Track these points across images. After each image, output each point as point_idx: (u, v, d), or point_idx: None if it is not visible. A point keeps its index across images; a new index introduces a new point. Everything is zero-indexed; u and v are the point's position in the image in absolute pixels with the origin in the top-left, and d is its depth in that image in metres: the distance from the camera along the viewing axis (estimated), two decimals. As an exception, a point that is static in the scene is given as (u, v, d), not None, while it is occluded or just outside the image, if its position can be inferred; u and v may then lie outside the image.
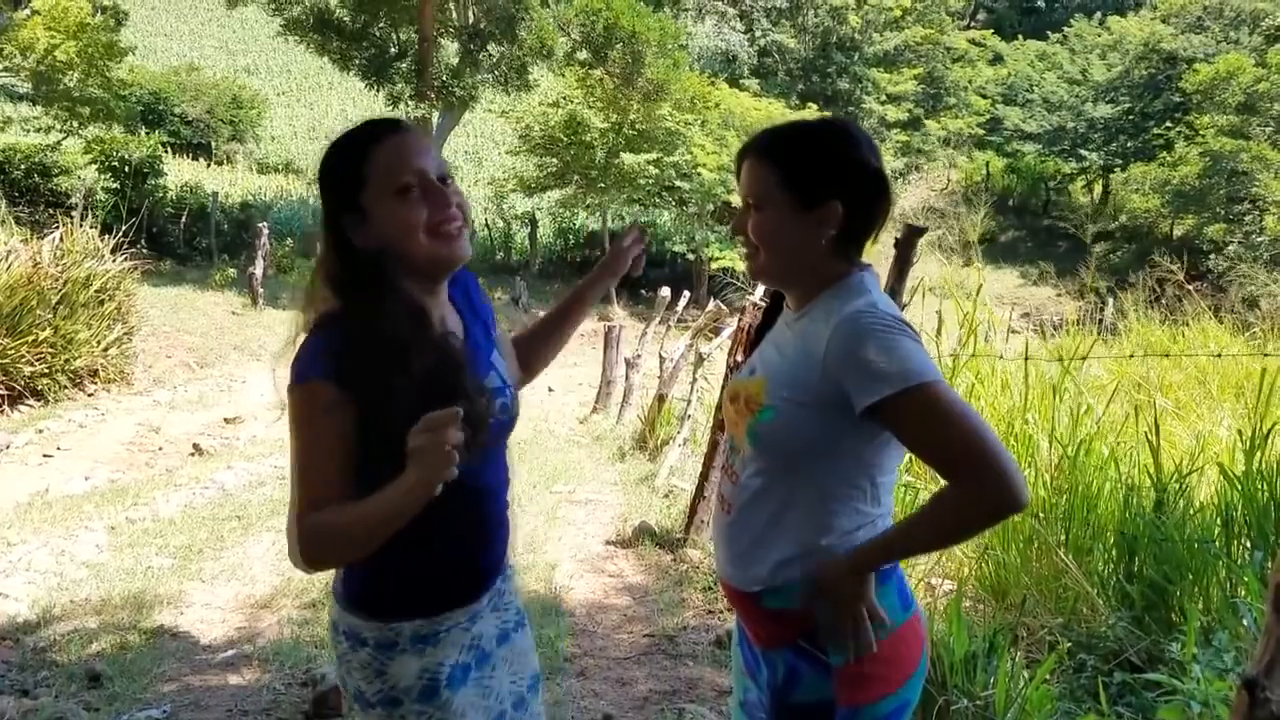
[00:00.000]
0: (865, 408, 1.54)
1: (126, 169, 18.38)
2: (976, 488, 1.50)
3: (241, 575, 4.97)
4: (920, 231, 3.67)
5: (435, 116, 19.92)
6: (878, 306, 1.61)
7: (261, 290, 16.30)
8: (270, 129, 34.34)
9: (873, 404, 1.53)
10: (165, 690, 3.57)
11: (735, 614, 1.88)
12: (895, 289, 3.61)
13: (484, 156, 34.07)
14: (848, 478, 1.64)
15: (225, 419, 10.10)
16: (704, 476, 5.19)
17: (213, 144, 31.06)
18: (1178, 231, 29.52)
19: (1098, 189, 36.16)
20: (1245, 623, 3.56)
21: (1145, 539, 4.05)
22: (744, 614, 1.79)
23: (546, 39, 19.51)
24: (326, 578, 4.77)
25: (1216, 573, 3.97)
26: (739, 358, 4.96)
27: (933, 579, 4.44)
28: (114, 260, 11.20)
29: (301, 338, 1.60)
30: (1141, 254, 28.22)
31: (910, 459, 2.30)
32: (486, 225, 27.27)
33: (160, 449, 8.80)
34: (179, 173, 23.80)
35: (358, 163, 1.61)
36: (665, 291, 9.94)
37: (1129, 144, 33.13)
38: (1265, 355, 6.80)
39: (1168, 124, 31.15)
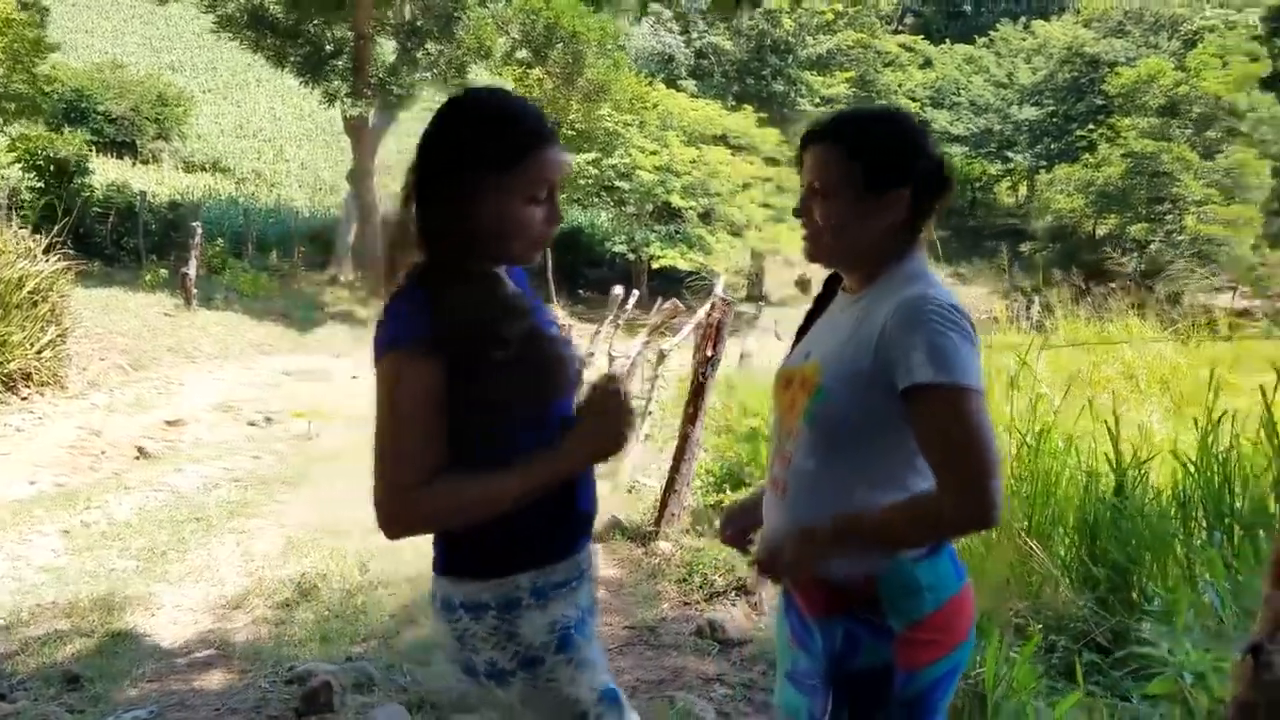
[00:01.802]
0: (902, 389, 1.59)
1: (52, 168, 17.83)
2: (964, 500, 1.56)
3: (209, 577, 4.89)
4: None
5: (372, 115, 19.68)
6: (938, 295, 1.66)
7: (195, 291, 15.95)
8: (196, 127, 33.56)
9: (908, 386, 1.58)
10: (148, 691, 3.50)
11: (781, 587, 1.92)
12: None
13: (420, 156, 33.69)
14: (900, 460, 1.68)
15: (167, 422, 9.87)
16: (674, 470, 5.24)
17: (138, 142, 30.24)
18: (1101, 231, 30.37)
19: (1023, 190, 37.08)
20: (1206, 598, 3.71)
21: (1107, 523, 4.18)
22: (802, 586, 1.83)
23: (485, 38, 19.38)
24: (298, 575, 4.73)
25: (1175, 553, 4.09)
26: (709, 352, 5.02)
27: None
28: (47, 261, 10.88)
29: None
30: (1067, 253, 29.04)
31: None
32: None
33: (103, 452, 8.57)
34: (104, 172, 23.13)
35: (521, 151, 1.59)
36: (618, 290, 9.96)
37: (1054, 146, 34.06)
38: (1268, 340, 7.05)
39: (1091, 126, 32.07)
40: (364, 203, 20.36)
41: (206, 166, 31.77)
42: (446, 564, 1.68)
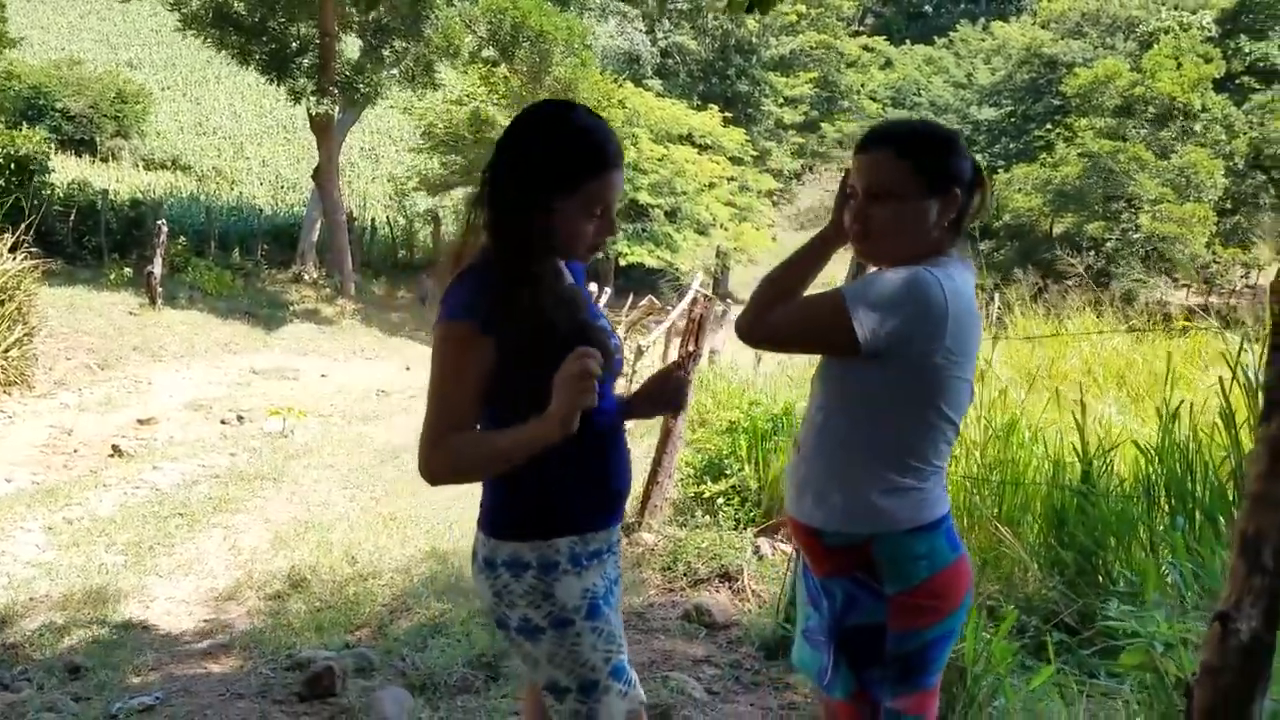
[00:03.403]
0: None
1: (13, 166, 17.57)
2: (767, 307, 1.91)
3: (199, 570, 4.95)
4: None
5: (337, 112, 19.59)
6: (940, 269, 1.81)
7: (160, 289, 15.82)
8: (156, 124, 33.15)
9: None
10: (151, 679, 3.57)
11: (797, 547, 2.08)
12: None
13: (381, 153, 33.60)
14: (896, 425, 1.84)
15: (139, 420, 9.85)
16: (657, 463, 5.36)
17: (97, 140, 29.84)
18: (1058, 229, 30.78)
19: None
20: (1170, 579, 3.90)
21: (1073, 509, 4.35)
22: (807, 547, 1.99)
23: (453, 36, 19.36)
24: (288, 568, 4.80)
25: (1139, 537, 4.26)
26: (691, 346, 5.15)
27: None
28: (13, 260, 10.78)
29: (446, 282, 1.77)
30: (1024, 251, 29.46)
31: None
32: (388, 223, 26.94)
33: (76, 451, 8.55)
34: (64, 170, 22.84)
35: (594, 172, 1.77)
36: (592, 287, 10.04)
37: (1012, 145, 34.51)
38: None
39: (1048, 126, 32.51)
40: (329, 200, 20.25)
41: (166, 164, 31.40)
42: (492, 525, 1.84)
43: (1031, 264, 25.85)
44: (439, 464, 1.70)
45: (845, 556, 1.88)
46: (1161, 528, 4.22)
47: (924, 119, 2.16)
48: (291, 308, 18.31)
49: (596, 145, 1.77)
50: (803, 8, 33.34)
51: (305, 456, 7.81)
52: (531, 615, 1.78)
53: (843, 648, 1.90)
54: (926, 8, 50.31)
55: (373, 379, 13.76)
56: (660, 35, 32.64)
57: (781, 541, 5.00)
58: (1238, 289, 28.18)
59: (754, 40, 32.21)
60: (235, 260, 20.77)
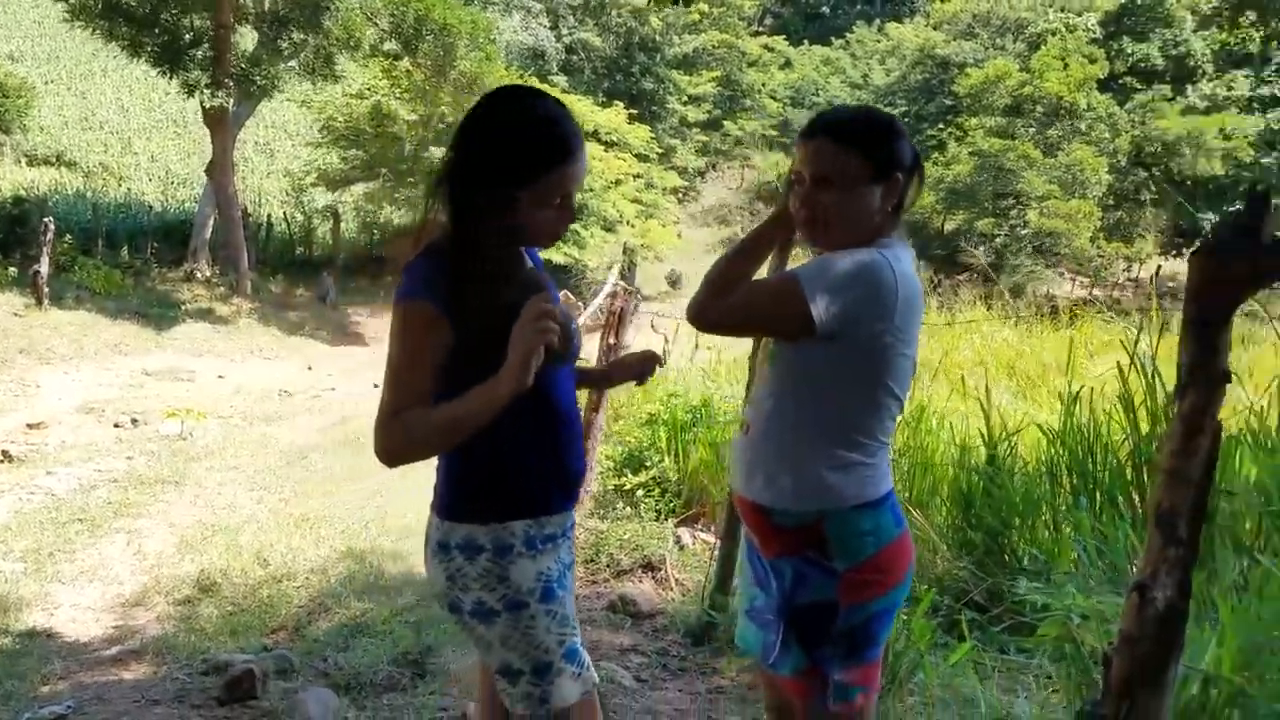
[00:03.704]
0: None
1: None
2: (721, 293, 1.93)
3: (104, 576, 4.77)
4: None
5: (232, 106, 19.01)
6: (887, 252, 1.86)
7: (46, 290, 15.16)
8: (39, 119, 31.64)
9: None
10: (60, 688, 3.44)
11: (745, 528, 2.11)
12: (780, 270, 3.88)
13: (276, 148, 32.70)
14: (845, 404, 1.88)
15: (28, 425, 9.43)
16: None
17: (-25, 135, 28.38)
18: (950, 226, 31.62)
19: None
20: (1074, 555, 4.06)
21: (980, 491, 4.50)
22: (755, 526, 2.02)
23: (354, 29, 18.95)
24: (197, 572, 4.66)
25: (1043, 517, 4.42)
26: (612, 340, 5.16)
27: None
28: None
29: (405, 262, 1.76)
30: (919, 248, 30.20)
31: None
32: (285, 220, 26.28)
33: (-40, 457, 8.14)
34: (-61, 166, 21.70)
35: (551, 160, 1.75)
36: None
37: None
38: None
39: (941, 125, 33.40)
40: (224, 196, 19.63)
41: (51, 160, 29.96)
42: (448, 507, 1.83)
43: (925, 260, 26.56)
44: (393, 440, 1.68)
45: (796, 535, 1.92)
46: (1064, 507, 4.38)
47: (866, 105, 2.21)
48: (184, 307, 17.73)
49: (559, 137, 1.77)
50: (705, 6, 33.63)
51: (207, 459, 7.58)
52: (486, 598, 1.78)
53: (793, 625, 1.94)
54: (824, 9, 51.20)
55: (273, 379, 13.42)
56: (565, 31, 32.53)
57: (702, 531, 5.06)
58: (1120, 282, 29.42)
59: (658, 38, 32.34)
60: (124, 259, 19.98)
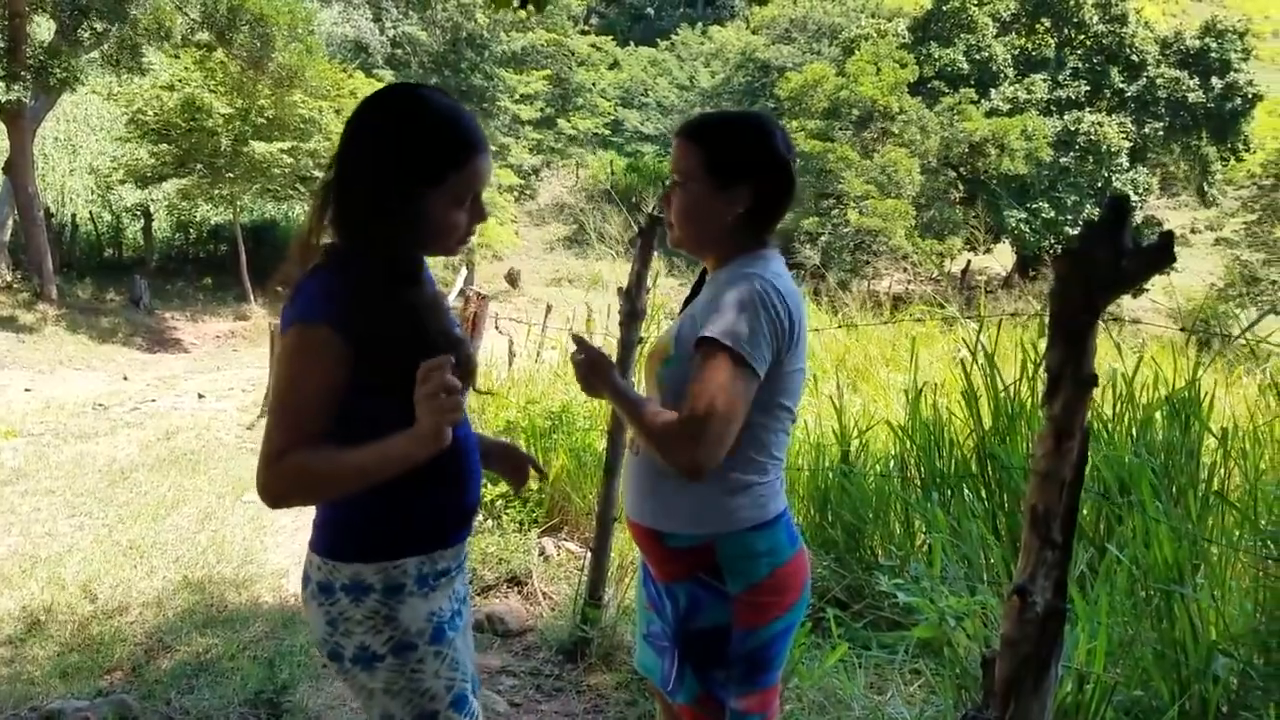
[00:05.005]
0: (697, 339, 1.77)
1: None
2: (681, 435, 1.72)
3: (-98, 623, 4.28)
4: (661, 221, 3.94)
5: (29, 99, 17.59)
6: (767, 276, 1.82)
7: None
8: None
9: (699, 338, 1.76)
10: None
11: (640, 552, 2.04)
12: (640, 274, 3.85)
13: (79, 143, 30.53)
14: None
15: None
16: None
17: None
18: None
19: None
20: (926, 549, 4.19)
21: (835, 488, 4.60)
22: (648, 551, 1.97)
23: (163, 17, 17.82)
24: (17, 609, 4.25)
25: (896, 511, 4.55)
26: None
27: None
28: None
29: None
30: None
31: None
32: (91, 219, 24.58)
33: None
34: None
35: (458, 157, 1.63)
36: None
37: (734, 146, 36.12)
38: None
39: (765, 127, 34.31)
40: (23, 196, 18.16)
41: None
42: (330, 545, 1.68)
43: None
44: (281, 483, 1.54)
45: (687, 558, 1.87)
46: (913, 499, 4.52)
47: (746, 110, 2.18)
48: (-19, 316, 16.35)
49: (465, 130, 1.66)
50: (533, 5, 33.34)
51: (18, 481, 6.96)
52: (370, 642, 1.64)
53: (687, 652, 1.89)
54: (648, 10, 51.82)
55: (87, 391, 12.51)
56: (389, 24, 31.67)
57: (566, 540, 4.98)
58: (936, 276, 30.98)
59: (485, 35, 31.90)
60: (-91, 264, 18.29)
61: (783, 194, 1.93)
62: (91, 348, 16.56)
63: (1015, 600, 1.61)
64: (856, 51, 32.39)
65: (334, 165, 1.65)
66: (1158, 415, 4.03)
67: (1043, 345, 4.44)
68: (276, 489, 1.54)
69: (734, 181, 1.86)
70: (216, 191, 20.84)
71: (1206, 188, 33.39)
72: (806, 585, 1.96)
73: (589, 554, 3.85)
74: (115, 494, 6.60)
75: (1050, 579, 1.61)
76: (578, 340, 1.93)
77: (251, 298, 21.16)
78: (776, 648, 1.92)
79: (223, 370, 15.71)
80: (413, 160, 1.61)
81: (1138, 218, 32.25)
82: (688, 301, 2.07)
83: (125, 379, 14.29)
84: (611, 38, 41.65)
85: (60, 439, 8.79)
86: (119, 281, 21.02)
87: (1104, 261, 1.46)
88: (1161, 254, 1.45)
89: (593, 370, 1.90)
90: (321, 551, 1.69)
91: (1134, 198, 31.32)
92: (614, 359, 3.80)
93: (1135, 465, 3.56)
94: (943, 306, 11.06)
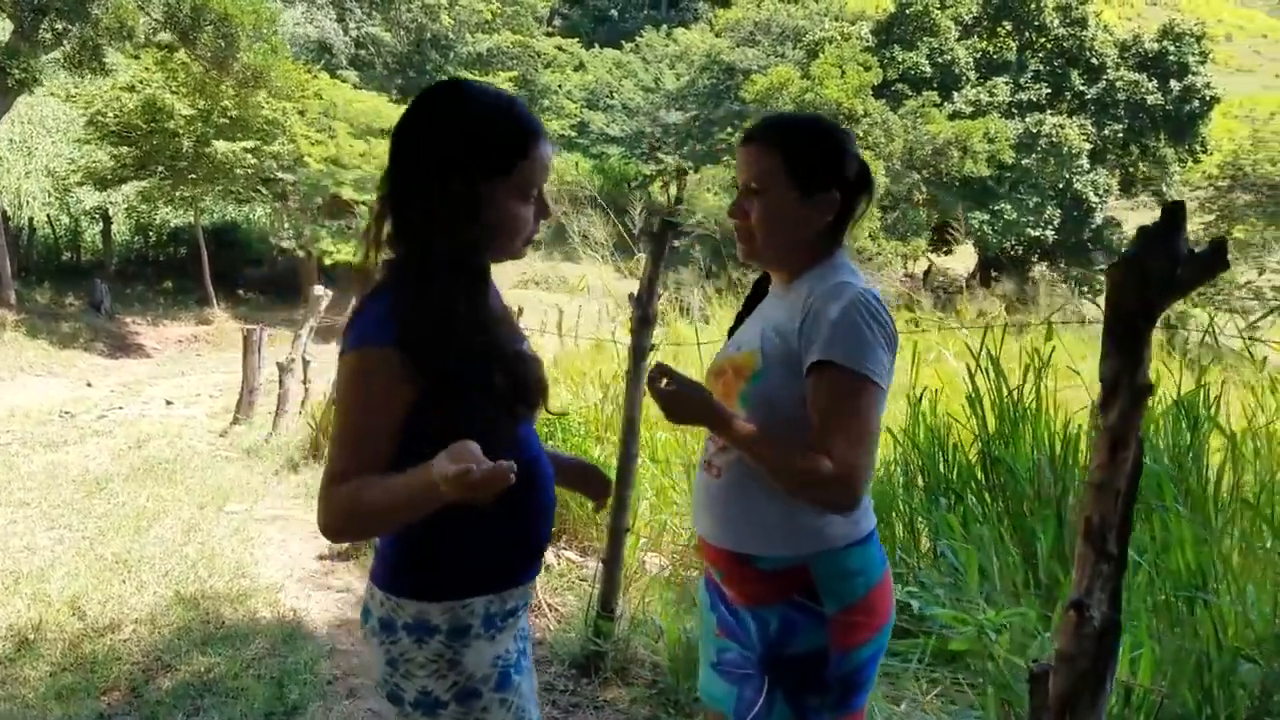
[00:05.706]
0: (809, 364, 1.70)
1: None
2: (835, 476, 1.65)
3: (-115, 643, 4.12)
4: (674, 225, 3.90)
5: (-14, 100, 17.22)
6: (859, 285, 1.77)
7: None
8: None
9: (814, 361, 1.69)
10: None
11: (707, 576, 1.97)
12: (652, 278, 3.79)
13: (35, 145, 29.89)
14: None
15: None
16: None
17: None
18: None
19: (673, 189, 39.17)
20: (934, 555, 4.17)
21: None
22: (730, 574, 1.88)
23: (125, 17, 17.47)
24: (4, 627, 4.10)
25: (904, 519, 4.52)
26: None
27: (646, 556, 4.67)
28: None
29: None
30: (714, 249, 31.06)
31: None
32: (49, 223, 24.10)
33: None
34: None
35: (524, 144, 1.55)
36: (319, 290, 9.41)
37: (699, 148, 36.22)
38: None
39: (730, 129, 34.40)
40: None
41: None
42: (393, 580, 1.58)
43: (725, 259, 27.26)
44: (335, 513, 1.46)
45: (779, 580, 1.80)
46: (916, 503, 4.49)
47: (816, 114, 2.13)
48: (-64, 322, 15.95)
49: (524, 119, 1.58)
50: (496, 5, 33.22)
51: (-13, 495, 6.76)
52: (433, 687, 1.54)
53: (779, 679, 1.81)
54: (613, 11, 51.74)
55: (51, 399, 12.23)
56: (352, 25, 31.35)
57: (565, 549, 4.91)
58: (900, 278, 31.22)
59: (450, 36, 31.70)
60: None
61: (864, 199, 1.88)
62: (52, 353, 16.21)
63: (1072, 614, 1.57)
64: (821, 54, 32.56)
65: (386, 179, 1.56)
66: (1159, 418, 4.04)
67: (1045, 349, 4.46)
68: (328, 519, 1.47)
69: (820, 188, 1.80)
70: (178, 194, 20.52)
71: (1165, 189, 33.95)
72: (893, 608, 1.89)
73: (600, 565, 3.79)
74: (93, 505, 6.43)
75: (1106, 591, 1.58)
76: (665, 370, 1.79)
77: (214, 301, 20.83)
78: (869, 671, 1.84)
79: (187, 375, 15.44)
80: (479, 150, 1.52)
81: (1097, 219, 32.72)
82: (746, 309, 2.02)
83: (89, 385, 14.00)
84: (576, 40, 41.54)
85: (28, 448, 8.56)
86: (78, 286, 20.63)
87: (1159, 268, 1.44)
88: (1215, 260, 1.43)
89: (692, 407, 1.77)
90: (384, 586, 1.59)
91: (1094, 199, 31.79)
92: (627, 368, 3.76)
93: (1150, 470, 3.55)
94: (905, 308, 11.11)
